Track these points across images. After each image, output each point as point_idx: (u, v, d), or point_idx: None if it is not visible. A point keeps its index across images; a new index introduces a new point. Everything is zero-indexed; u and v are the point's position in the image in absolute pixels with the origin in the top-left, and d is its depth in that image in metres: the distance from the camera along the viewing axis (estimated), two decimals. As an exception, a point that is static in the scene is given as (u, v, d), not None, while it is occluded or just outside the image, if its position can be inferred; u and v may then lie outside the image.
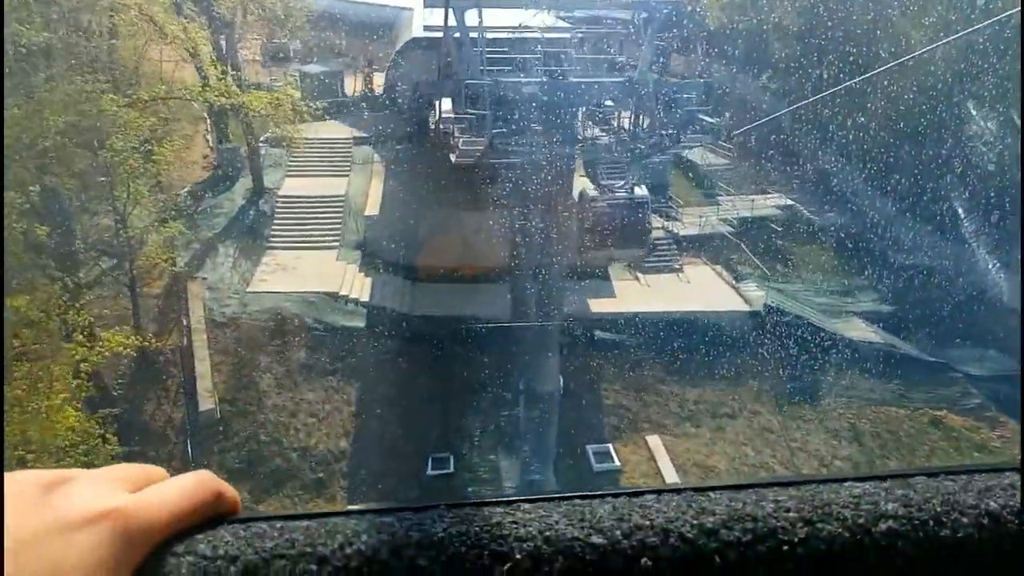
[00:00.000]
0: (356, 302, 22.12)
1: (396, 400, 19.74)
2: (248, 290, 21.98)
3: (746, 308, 24.15)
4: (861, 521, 0.52)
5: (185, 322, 20.42)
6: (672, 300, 23.80)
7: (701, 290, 24.77)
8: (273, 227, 24.96)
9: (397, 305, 22.39)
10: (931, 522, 0.53)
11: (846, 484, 0.56)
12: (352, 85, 32.64)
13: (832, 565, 0.51)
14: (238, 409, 19.32)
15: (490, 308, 21.63)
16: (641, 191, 19.76)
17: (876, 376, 23.17)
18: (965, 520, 0.53)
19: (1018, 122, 24.30)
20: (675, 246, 26.63)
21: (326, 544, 0.49)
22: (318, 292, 22.06)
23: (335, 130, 29.28)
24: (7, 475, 0.47)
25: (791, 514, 0.52)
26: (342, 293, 22.16)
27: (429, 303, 22.47)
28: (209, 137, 30.20)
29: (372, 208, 25.01)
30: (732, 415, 21.65)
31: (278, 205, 25.76)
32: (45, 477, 0.49)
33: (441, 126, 16.25)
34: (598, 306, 23.66)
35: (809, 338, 23.54)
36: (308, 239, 24.54)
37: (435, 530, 0.50)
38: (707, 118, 19.41)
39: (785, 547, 0.51)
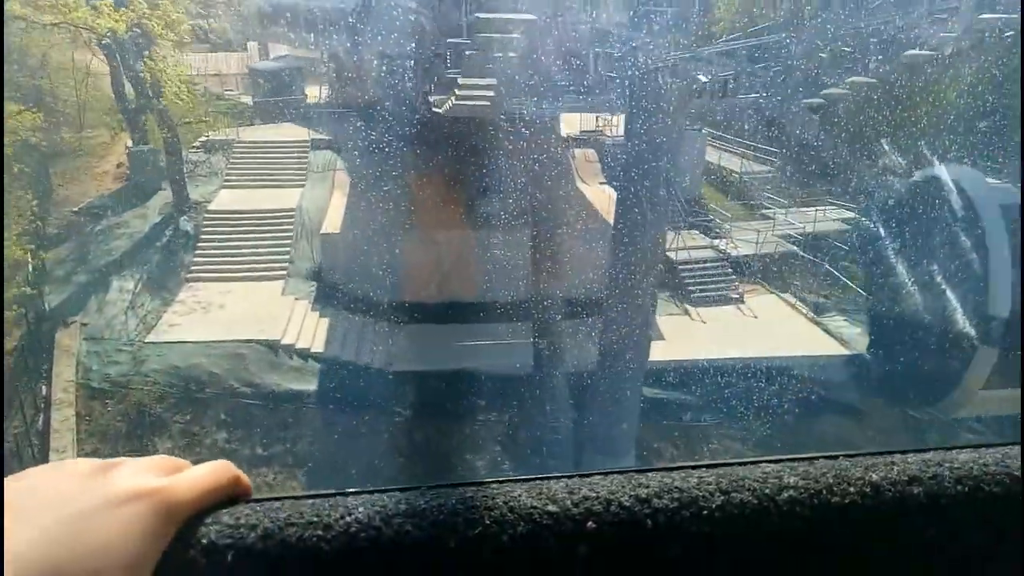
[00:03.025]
0: (306, 354, 16.20)
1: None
2: (148, 339, 15.43)
3: (842, 351, 18.13)
4: (767, 491, 0.65)
5: (44, 391, 13.60)
6: (736, 342, 18.13)
7: (772, 326, 19.06)
8: (197, 251, 18.57)
9: (366, 358, 16.62)
10: (824, 491, 0.65)
11: (760, 465, 0.69)
12: (315, 86, 27.34)
13: (743, 527, 0.64)
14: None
15: (503, 361, 15.52)
16: None
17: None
18: (852, 490, 0.65)
19: None
20: (730, 270, 20.89)
21: (329, 515, 0.61)
22: (251, 341, 16.02)
23: (289, 133, 24.55)
24: (70, 461, 0.60)
25: (710, 486, 0.65)
26: (285, 342, 16.22)
27: (412, 355, 16.72)
28: (129, 143, 24.34)
29: (332, 225, 18.85)
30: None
31: (206, 222, 19.45)
32: (98, 463, 0.60)
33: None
34: (641, 352, 17.70)
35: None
36: (243, 267, 18.22)
37: (418, 503, 0.63)
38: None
39: (704, 512, 0.64)
